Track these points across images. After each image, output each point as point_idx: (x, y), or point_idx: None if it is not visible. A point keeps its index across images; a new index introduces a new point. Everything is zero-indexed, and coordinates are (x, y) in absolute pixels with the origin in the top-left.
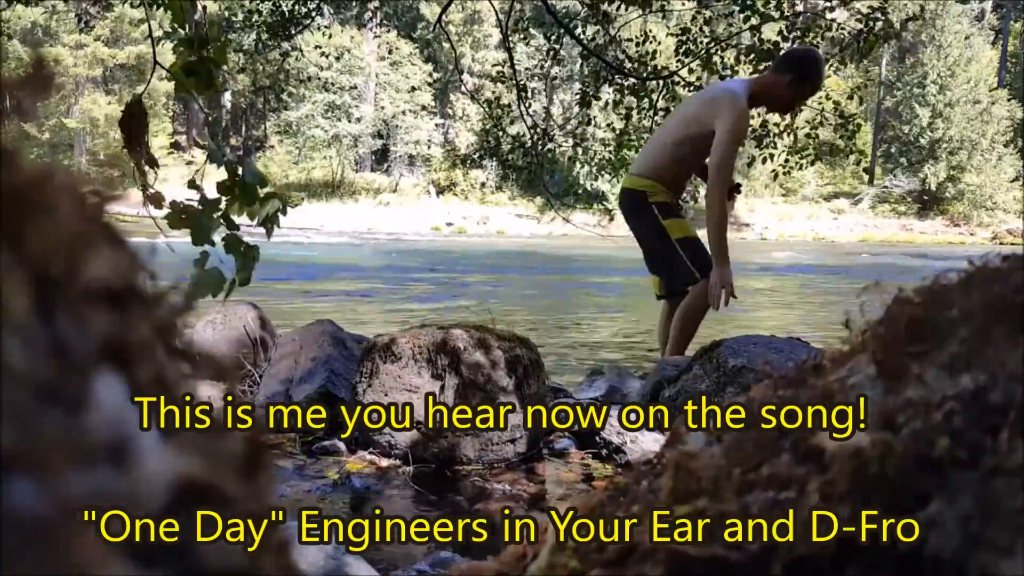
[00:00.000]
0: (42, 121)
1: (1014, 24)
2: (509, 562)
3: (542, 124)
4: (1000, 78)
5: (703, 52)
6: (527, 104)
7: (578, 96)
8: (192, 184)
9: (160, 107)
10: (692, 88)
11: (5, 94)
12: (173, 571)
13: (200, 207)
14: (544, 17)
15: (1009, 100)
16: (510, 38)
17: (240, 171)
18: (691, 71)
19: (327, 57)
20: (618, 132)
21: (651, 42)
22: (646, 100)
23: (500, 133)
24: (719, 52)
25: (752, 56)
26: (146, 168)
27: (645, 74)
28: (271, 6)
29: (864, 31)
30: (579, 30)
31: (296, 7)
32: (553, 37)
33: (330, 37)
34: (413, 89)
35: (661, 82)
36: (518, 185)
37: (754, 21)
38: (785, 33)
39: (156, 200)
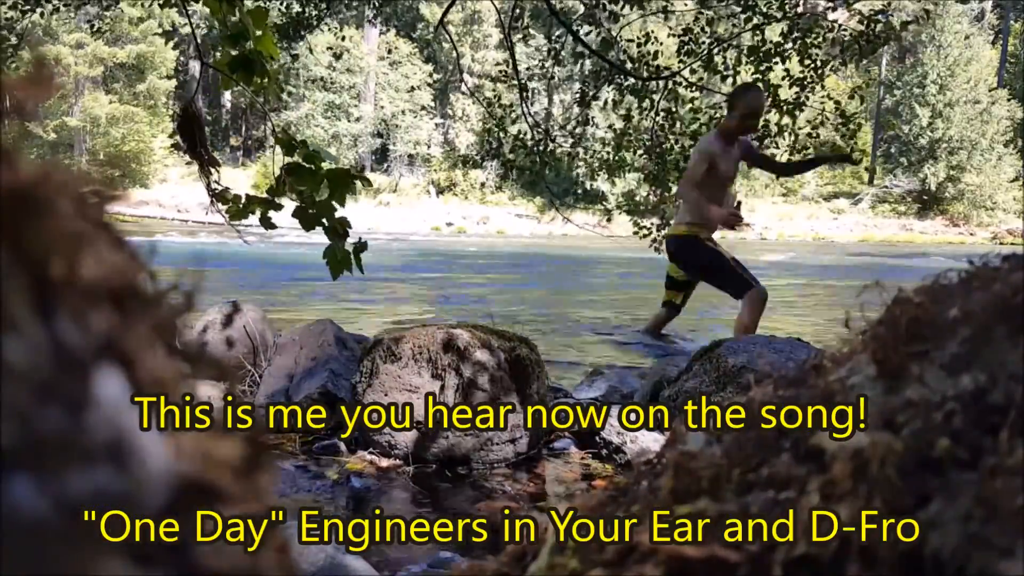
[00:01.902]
0: (45, 121)
1: (1014, 24)
2: (509, 562)
3: (543, 124)
4: (1000, 78)
5: (704, 53)
6: (529, 103)
7: (578, 96)
8: (278, 179)
9: (160, 106)
10: (694, 88)
11: (5, 94)
12: (173, 571)
13: (267, 196)
14: (543, 17)
15: (1009, 100)
16: (510, 37)
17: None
18: (692, 71)
19: (336, 58)
20: (618, 133)
21: (653, 42)
22: (647, 101)
23: (502, 133)
24: (721, 53)
25: (754, 57)
26: (210, 169)
27: (646, 74)
28: (281, 7)
29: (865, 32)
30: (580, 30)
31: (307, 8)
32: (555, 36)
33: (343, 39)
34: (413, 89)
35: (662, 82)
36: (518, 185)
37: (756, 21)
38: (787, 33)
39: (223, 197)
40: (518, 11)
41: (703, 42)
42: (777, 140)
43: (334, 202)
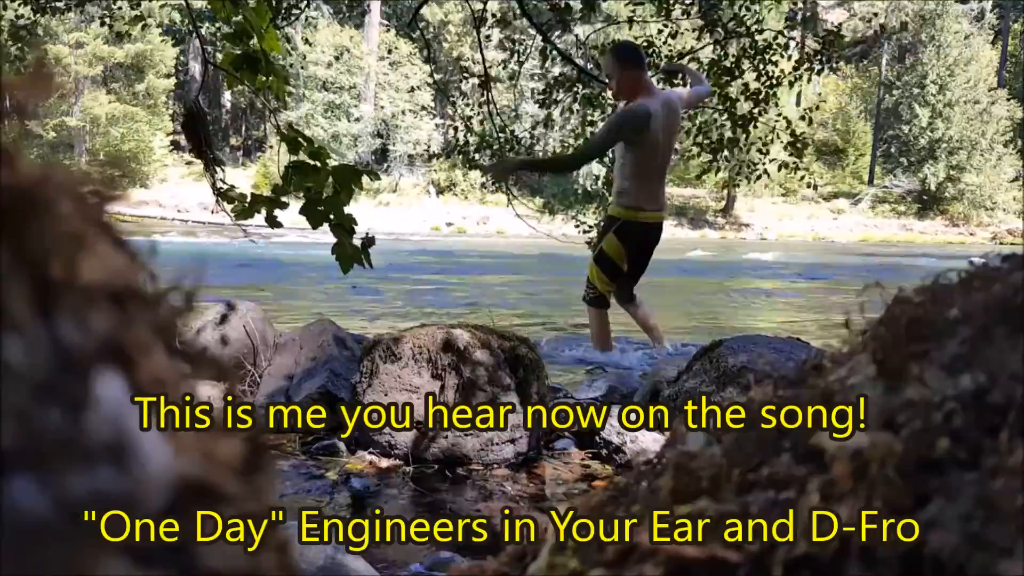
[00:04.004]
0: (45, 120)
1: (1014, 24)
2: (509, 562)
3: (510, 125)
4: (1000, 78)
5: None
6: (495, 104)
7: (541, 98)
8: (284, 177)
9: (160, 105)
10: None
11: (5, 94)
12: (173, 571)
13: (272, 195)
14: (521, 23)
15: (1009, 100)
16: (489, 36)
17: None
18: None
19: (325, 54)
20: (576, 136)
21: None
22: (608, 107)
23: (469, 134)
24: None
25: (715, 69)
26: (215, 168)
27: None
28: None
29: (820, 51)
30: (551, 34)
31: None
32: (520, 39)
33: (314, 27)
34: (413, 89)
35: None
36: (518, 186)
37: (717, 35)
38: (748, 50)
39: (228, 196)
40: (485, 13)
41: (665, 55)
42: (727, 155)
43: (342, 198)
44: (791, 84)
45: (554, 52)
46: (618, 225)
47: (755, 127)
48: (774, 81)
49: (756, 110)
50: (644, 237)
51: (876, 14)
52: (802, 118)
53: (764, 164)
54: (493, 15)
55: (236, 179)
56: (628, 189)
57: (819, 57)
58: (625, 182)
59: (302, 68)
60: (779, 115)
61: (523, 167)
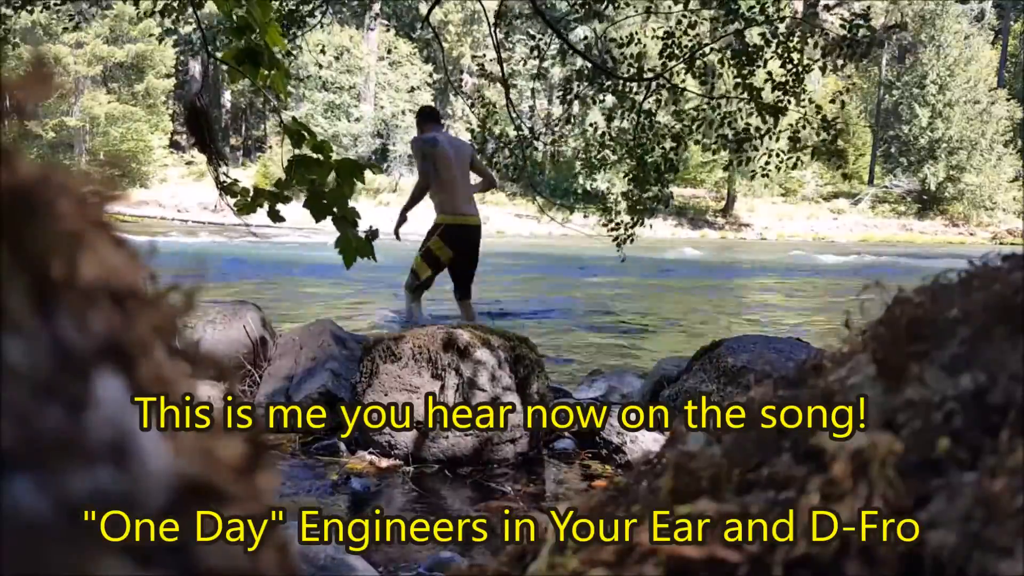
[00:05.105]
0: (45, 120)
1: (1014, 24)
2: (509, 562)
3: (530, 123)
4: (1000, 78)
5: (686, 56)
6: (512, 103)
7: (560, 94)
8: (287, 170)
9: (160, 104)
10: (680, 92)
11: (5, 94)
12: (173, 571)
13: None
14: (535, 18)
15: (1008, 100)
16: (501, 35)
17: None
18: (675, 75)
19: (326, 55)
20: (599, 132)
21: (636, 44)
22: (628, 101)
23: (487, 134)
24: (702, 56)
25: (735, 60)
26: (219, 162)
27: (628, 75)
28: (275, 5)
29: (847, 37)
30: (568, 31)
31: (300, 6)
32: (538, 36)
33: (327, 31)
34: (413, 89)
35: (645, 85)
36: (518, 185)
37: (738, 25)
38: (768, 37)
39: (231, 190)
40: (503, 9)
41: (685, 45)
42: (756, 144)
43: (344, 191)
44: (823, 71)
45: (569, 48)
46: (441, 229)
47: (784, 115)
48: (800, 69)
49: (785, 99)
50: (463, 236)
51: (904, 15)
52: (832, 101)
53: (797, 153)
54: (502, 15)
55: (236, 179)
56: (443, 200)
57: (847, 43)
58: (437, 196)
59: (303, 68)
60: (809, 100)
61: (404, 211)
